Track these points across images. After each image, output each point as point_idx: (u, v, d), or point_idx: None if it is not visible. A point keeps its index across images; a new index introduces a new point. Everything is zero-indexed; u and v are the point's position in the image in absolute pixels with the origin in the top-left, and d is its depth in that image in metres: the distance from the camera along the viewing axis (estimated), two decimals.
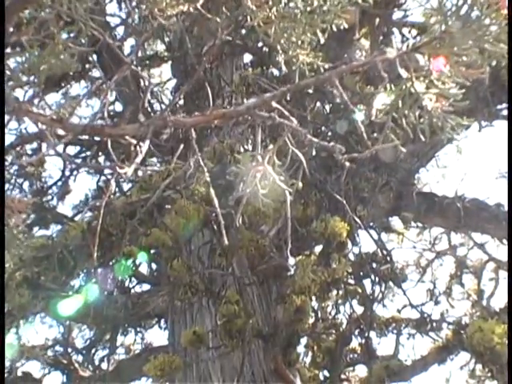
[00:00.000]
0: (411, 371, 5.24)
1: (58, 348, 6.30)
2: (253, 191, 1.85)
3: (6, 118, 1.81)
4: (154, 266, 5.52)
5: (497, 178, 6.36)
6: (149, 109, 5.08)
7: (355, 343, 5.44)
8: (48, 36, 1.90)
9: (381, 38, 5.53)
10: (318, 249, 4.72)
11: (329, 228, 4.04)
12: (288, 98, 4.19)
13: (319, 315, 5.36)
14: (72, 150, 6.55)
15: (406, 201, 5.48)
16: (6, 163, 6.20)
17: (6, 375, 5.46)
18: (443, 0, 1.38)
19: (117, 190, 6.36)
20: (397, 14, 5.97)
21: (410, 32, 6.03)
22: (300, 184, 2.90)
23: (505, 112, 5.66)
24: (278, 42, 1.70)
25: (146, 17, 5.00)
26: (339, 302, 5.42)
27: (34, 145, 6.71)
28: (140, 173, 5.92)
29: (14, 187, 6.72)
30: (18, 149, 6.56)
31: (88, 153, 6.38)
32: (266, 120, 1.54)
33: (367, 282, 5.29)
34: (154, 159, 5.31)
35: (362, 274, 5.04)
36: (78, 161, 5.74)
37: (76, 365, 6.13)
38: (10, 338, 4.76)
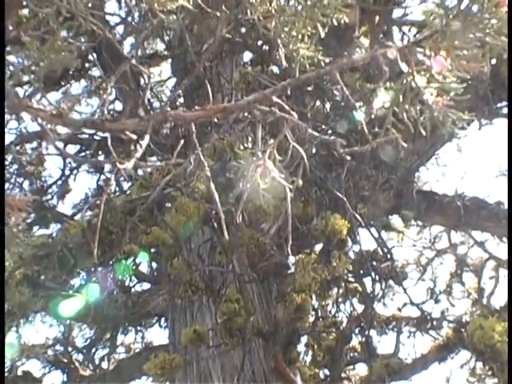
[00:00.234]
0: (411, 370, 5.25)
1: (58, 347, 6.30)
2: (253, 187, 1.84)
3: (6, 117, 1.81)
4: (154, 264, 5.51)
5: (497, 176, 6.37)
6: (148, 107, 5.07)
7: (355, 342, 5.45)
8: (48, 32, 1.90)
9: (381, 36, 5.52)
10: (319, 247, 4.72)
11: (329, 225, 4.04)
12: (288, 96, 4.18)
13: (319, 314, 5.36)
14: (72, 149, 6.55)
15: (406, 199, 5.48)
16: (6, 162, 6.20)
17: (5, 374, 5.45)
18: None
19: (117, 188, 6.37)
20: (397, 13, 5.98)
21: (409, 30, 6.03)
22: (300, 181, 2.90)
23: (505, 110, 5.66)
24: (278, 36, 1.70)
25: (146, 14, 5.00)
26: (339, 300, 5.42)
27: (34, 144, 6.72)
28: (140, 172, 5.93)
29: (14, 186, 6.71)
30: (17, 148, 6.56)
31: (88, 152, 6.37)
32: (266, 114, 1.54)
33: (368, 281, 5.30)
34: (154, 158, 5.30)
35: (362, 272, 5.04)
36: (79, 158, 5.73)
37: (76, 364, 6.12)
38: (10, 337, 4.76)
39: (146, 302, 5.47)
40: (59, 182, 6.83)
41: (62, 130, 6.07)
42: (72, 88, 6.63)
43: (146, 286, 5.74)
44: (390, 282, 5.52)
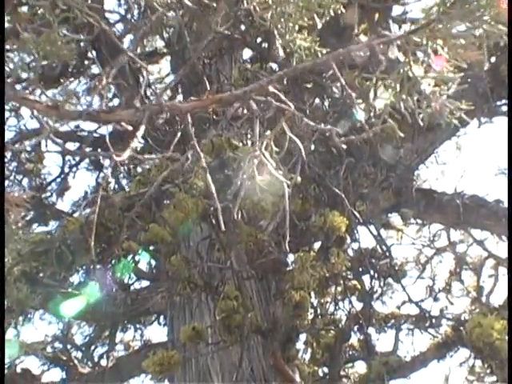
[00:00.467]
0: (410, 367, 5.25)
1: (57, 344, 6.30)
2: (251, 181, 1.84)
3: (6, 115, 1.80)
4: (152, 262, 5.51)
5: (496, 174, 6.36)
6: (146, 100, 5.05)
7: (354, 339, 5.44)
8: (44, 25, 1.89)
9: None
10: (318, 245, 4.71)
11: (327, 222, 4.03)
12: (287, 92, 4.17)
13: (318, 311, 5.35)
14: (71, 146, 6.54)
15: (406, 197, 5.48)
16: (5, 160, 6.19)
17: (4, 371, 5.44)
18: None
19: (116, 186, 6.37)
20: (396, 11, 5.97)
21: (409, 28, 6.00)
22: (299, 178, 2.89)
23: (504, 108, 5.66)
24: (274, 26, 1.69)
25: (145, 11, 5.00)
26: (338, 298, 5.41)
27: (33, 141, 6.70)
28: (139, 169, 5.93)
29: (13, 184, 6.71)
30: (17, 145, 6.55)
31: (87, 149, 6.36)
32: (262, 104, 1.53)
33: (367, 278, 5.29)
34: (153, 156, 5.29)
35: (361, 269, 5.03)
36: (75, 152, 5.72)
37: (75, 361, 6.13)
38: (9, 334, 4.76)
39: (144, 299, 5.47)
40: (58, 180, 6.83)
41: (62, 128, 6.08)
42: (71, 85, 6.62)
43: (145, 283, 5.74)
44: (389, 280, 5.52)
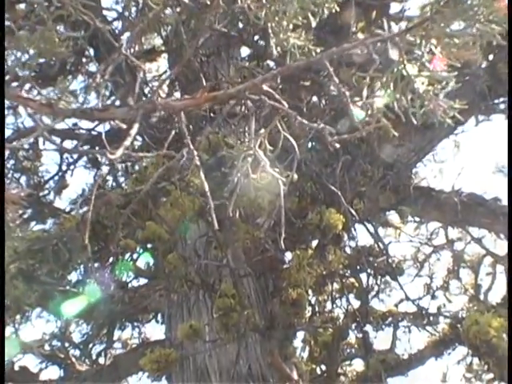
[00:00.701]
0: (408, 365, 5.25)
1: (55, 342, 6.29)
2: (245, 177, 1.84)
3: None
4: (150, 260, 5.50)
5: (494, 172, 6.36)
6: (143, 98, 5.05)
7: (352, 337, 5.45)
8: (39, 22, 1.89)
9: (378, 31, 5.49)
10: (315, 243, 4.71)
11: (324, 220, 4.03)
12: (284, 90, 4.17)
13: (316, 309, 5.36)
14: (69, 144, 6.53)
15: (404, 195, 5.47)
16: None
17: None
18: None
19: (114, 184, 6.36)
20: (394, 9, 5.96)
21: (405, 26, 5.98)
22: (295, 176, 2.89)
23: (502, 106, 5.66)
24: (269, 25, 1.69)
25: (143, 9, 4.99)
26: (336, 295, 5.42)
27: (31, 139, 6.68)
28: (137, 167, 5.92)
29: (11, 182, 6.70)
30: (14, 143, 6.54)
31: (84, 147, 6.36)
32: (256, 103, 1.53)
33: (364, 276, 5.30)
34: (148, 154, 5.28)
35: (358, 267, 5.04)
36: (71, 149, 5.72)
37: (73, 359, 6.12)
38: (6, 332, 4.75)
39: (142, 297, 5.46)
40: (56, 178, 6.82)
41: (60, 126, 6.07)
42: (69, 83, 6.60)
43: (143, 281, 5.74)
44: (387, 278, 5.53)
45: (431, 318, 5.46)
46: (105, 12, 6.14)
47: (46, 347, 6.24)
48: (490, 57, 5.43)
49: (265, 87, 1.60)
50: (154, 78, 7.15)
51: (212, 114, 4.26)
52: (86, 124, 6.28)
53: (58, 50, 1.80)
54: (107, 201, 3.84)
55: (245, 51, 6.21)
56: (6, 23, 1.85)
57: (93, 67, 6.74)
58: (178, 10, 4.55)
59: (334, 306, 5.31)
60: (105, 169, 6.53)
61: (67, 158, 6.70)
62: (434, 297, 6.13)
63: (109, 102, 6.30)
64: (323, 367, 5.41)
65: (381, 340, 5.49)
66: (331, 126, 4.46)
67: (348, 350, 5.60)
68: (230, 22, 4.22)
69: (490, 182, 6.49)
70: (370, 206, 5.12)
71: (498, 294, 6.03)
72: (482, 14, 1.32)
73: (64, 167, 6.76)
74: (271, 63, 5.19)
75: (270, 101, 1.64)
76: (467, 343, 4.30)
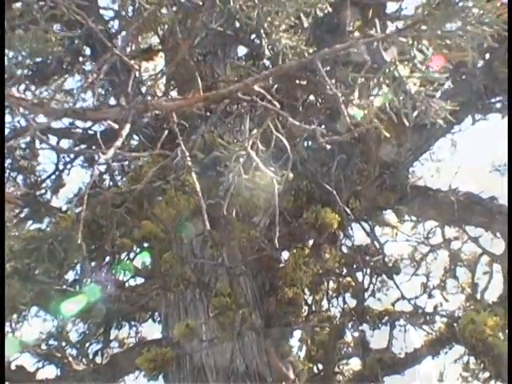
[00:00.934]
0: (404, 364, 5.25)
1: (51, 341, 6.28)
2: (238, 176, 1.83)
3: None
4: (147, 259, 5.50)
5: (490, 171, 6.37)
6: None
7: (349, 336, 5.45)
8: (32, 22, 1.88)
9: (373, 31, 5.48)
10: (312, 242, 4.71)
11: (319, 219, 4.03)
12: (279, 89, 4.17)
13: (313, 308, 5.36)
14: (65, 144, 6.52)
15: (401, 194, 5.48)
16: None
17: None
18: None
19: (111, 183, 6.35)
20: (391, 8, 5.96)
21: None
22: (291, 175, 2.89)
23: (498, 105, 5.66)
24: (261, 25, 1.69)
25: (139, 8, 4.98)
26: (333, 295, 5.42)
27: (28, 138, 6.68)
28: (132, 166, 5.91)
29: (8, 181, 6.69)
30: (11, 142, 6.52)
31: (81, 146, 6.35)
32: (248, 103, 1.53)
33: (360, 275, 5.30)
34: (142, 153, 5.27)
35: (355, 266, 5.04)
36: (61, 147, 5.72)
37: (70, 358, 6.11)
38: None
39: (139, 296, 5.46)
40: (53, 177, 6.81)
41: (57, 125, 6.06)
42: (65, 82, 6.60)
43: (140, 280, 5.73)
44: (384, 277, 5.53)
45: (428, 317, 5.47)
46: (102, 11, 6.13)
47: (43, 346, 6.23)
48: (487, 56, 5.42)
49: (257, 88, 1.60)
50: (151, 77, 7.14)
51: (208, 114, 4.25)
52: (82, 123, 6.28)
53: (50, 50, 1.80)
54: (103, 200, 3.83)
55: (242, 50, 6.21)
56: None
57: (89, 67, 6.73)
58: (174, 9, 4.54)
59: (331, 305, 5.31)
60: (101, 168, 6.52)
61: (64, 158, 6.68)
62: (430, 296, 6.13)
63: (106, 101, 6.30)
64: (320, 366, 5.41)
65: (377, 339, 5.50)
66: (327, 125, 4.47)
67: (345, 349, 5.60)
68: (227, 21, 4.21)
69: (486, 181, 6.49)
70: (367, 205, 5.12)
71: (494, 293, 6.04)
72: (473, 16, 1.32)
73: (61, 166, 6.74)
74: (267, 62, 5.18)
75: (262, 102, 1.64)
76: (463, 342, 4.31)
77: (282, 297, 4.31)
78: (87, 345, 6.33)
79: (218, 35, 4.99)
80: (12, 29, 1.97)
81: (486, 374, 5.17)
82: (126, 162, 5.98)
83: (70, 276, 4.92)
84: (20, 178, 6.78)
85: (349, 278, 5.27)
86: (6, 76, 2.02)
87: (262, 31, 1.71)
